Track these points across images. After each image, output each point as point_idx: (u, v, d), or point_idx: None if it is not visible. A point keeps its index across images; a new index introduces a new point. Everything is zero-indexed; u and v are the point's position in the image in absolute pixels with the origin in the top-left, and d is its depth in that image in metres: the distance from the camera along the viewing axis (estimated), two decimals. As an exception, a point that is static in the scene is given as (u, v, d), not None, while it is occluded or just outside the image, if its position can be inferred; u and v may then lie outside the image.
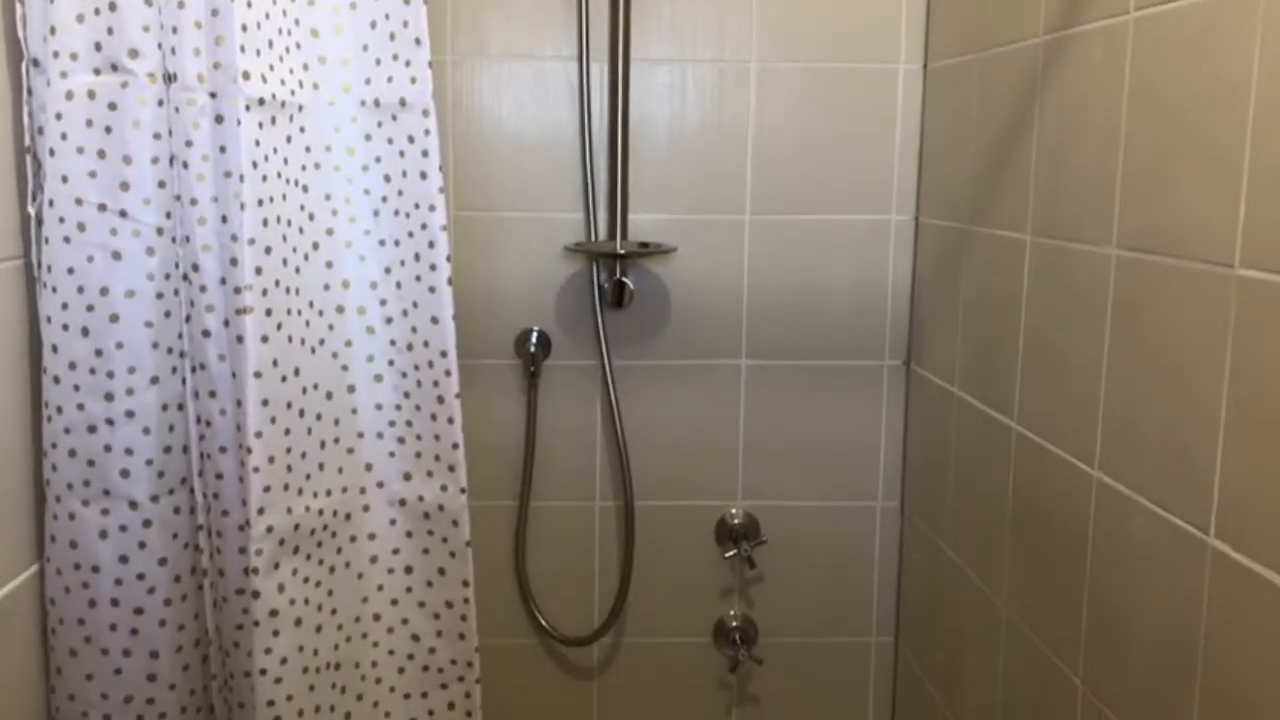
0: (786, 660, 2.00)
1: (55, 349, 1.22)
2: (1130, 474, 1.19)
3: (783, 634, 2.00)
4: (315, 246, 1.31)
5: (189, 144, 1.19)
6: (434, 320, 1.34)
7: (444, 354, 1.35)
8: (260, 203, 1.20)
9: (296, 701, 1.30)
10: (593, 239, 1.86)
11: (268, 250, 1.22)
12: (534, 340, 1.89)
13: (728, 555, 1.92)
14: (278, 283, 1.24)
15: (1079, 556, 1.30)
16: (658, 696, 2.01)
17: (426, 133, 1.31)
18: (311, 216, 1.30)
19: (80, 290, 1.21)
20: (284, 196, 1.24)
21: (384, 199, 1.34)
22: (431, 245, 1.33)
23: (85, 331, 1.22)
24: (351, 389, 1.36)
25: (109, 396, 1.23)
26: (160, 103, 1.20)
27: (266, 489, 1.24)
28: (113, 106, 1.19)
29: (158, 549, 1.28)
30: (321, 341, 1.32)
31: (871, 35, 1.85)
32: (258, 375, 1.22)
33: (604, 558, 1.97)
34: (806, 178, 1.88)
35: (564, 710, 2.01)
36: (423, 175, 1.32)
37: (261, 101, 1.20)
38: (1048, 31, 1.38)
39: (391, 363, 1.36)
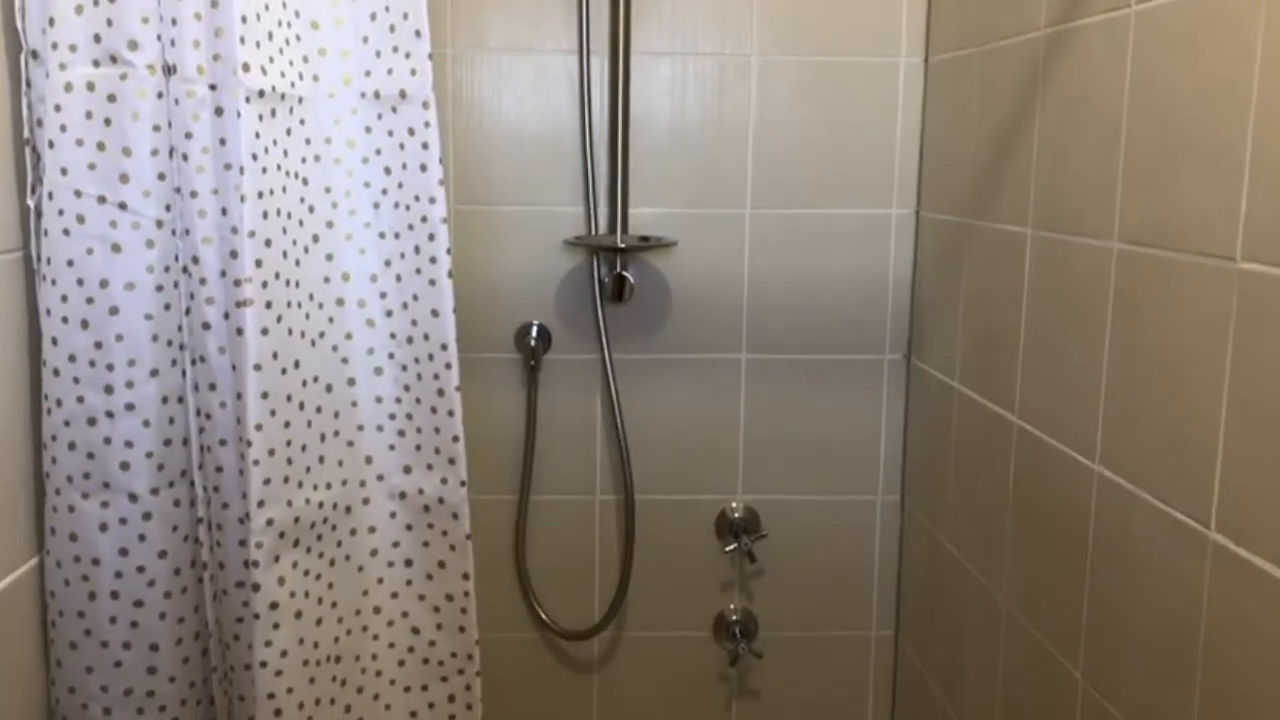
0: (786, 654, 2.00)
1: (55, 341, 1.22)
2: (1131, 468, 1.19)
3: (783, 628, 2.00)
4: (315, 239, 1.30)
5: (189, 136, 1.19)
6: (434, 313, 1.34)
7: (444, 347, 1.34)
8: (260, 195, 1.20)
9: (297, 694, 1.30)
10: (593, 233, 1.86)
11: (268, 243, 1.22)
12: (534, 334, 1.89)
13: (728, 549, 1.92)
14: (278, 275, 1.23)
15: (1080, 551, 1.30)
16: (658, 690, 2.01)
17: (427, 125, 1.31)
18: (311, 209, 1.29)
19: (80, 283, 1.21)
20: (284, 189, 1.24)
21: (384, 191, 1.33)
22: (432, 238, 1.33)
23: (85, 324, 1.22)
24: (351, 382, 1.36)
25: (109, 389, 1.23)
26: (160, 95, 1.20)
27: (266, 482, 1.24)
28: (112, 98, 1.19)
29: (158, 542, 1.28)
30: (321, 334, 1.32)
31: (872, 29, 1.84)
32: (258, 368, 1.22)
33: (604, 552, 1.97)
34: (807, 171, 1.87)
35: (564, 704, 2.01)
36: (423, 168, 1.31)
37: (261, 94, 1.20)
38: (1049, 25, 1.38)
39: (392, 356, 1.36)
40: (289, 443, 1.27)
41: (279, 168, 1.23)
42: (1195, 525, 1.07)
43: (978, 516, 1.62)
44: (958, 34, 1.71)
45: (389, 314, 1.35)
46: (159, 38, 1.18)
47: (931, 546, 1.82)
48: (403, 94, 1.31)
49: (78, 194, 1.19)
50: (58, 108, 1.18)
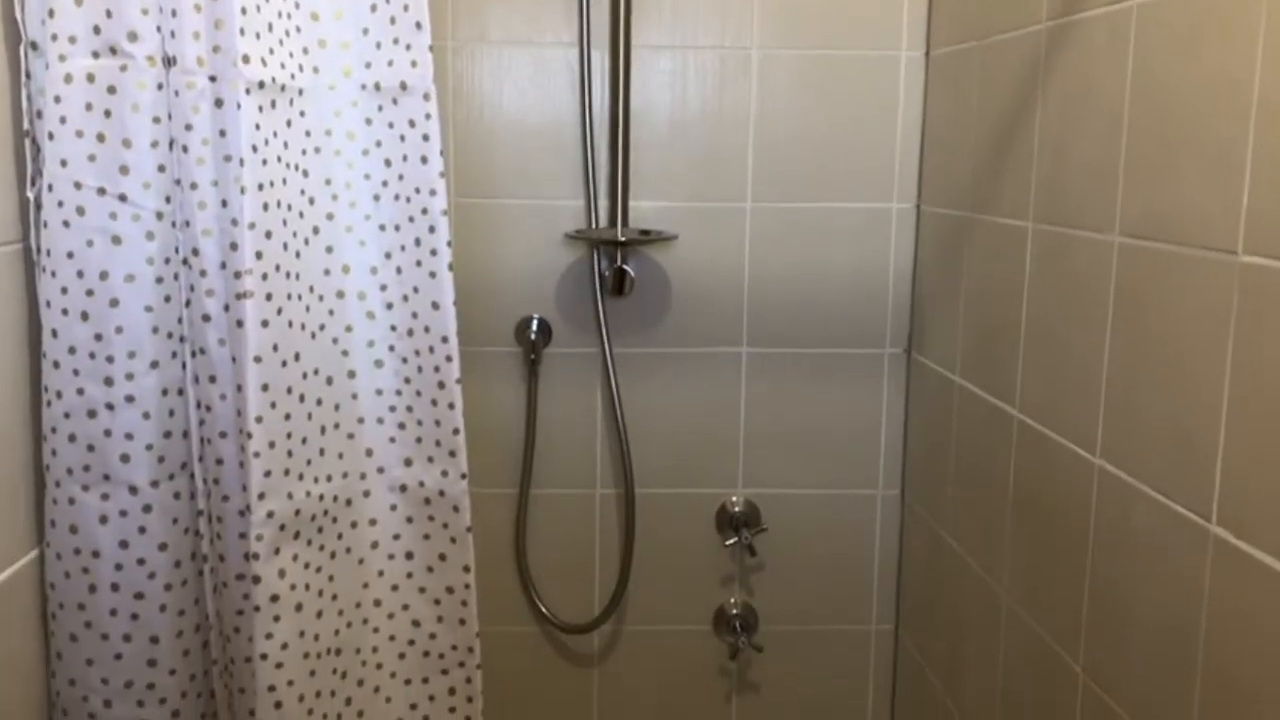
0: (786, 648, 2.00)
1: (55, 333, 1.22)
2: (1132, 461, 1.19)
3: (783, 622, 2.00)
4: (315, 231, 1.30)
5: (189, 128, 1.19)
6: (435, 305, 1.34)
7: (445, 339, 1.34)
8: (260, 187, 1.20)
9: (297, 687, 1.30)
10: (593, 226, 1.86)
11: (268, 235, 1.21)
12: (534, 328, 1.89)
13: (728, 543, 1.92)
14: (278, 267, 1.23)
15: (1080, 544, 1.30)
16: (658, 684, 2.01)
17: (427, 117, 1.31)
18: (312, 201, 1.29)
19: (80, 275, 1.21)
20: (284, 181, 1.24)
21: (384, 183, 1.33)
22: (432, 230, 1.32)
23: (85, 316, 1.21)
24: (352, 374, 1.36)
25: (109, 381, 1.23)
26: (160, 86, 1.19)
27: (267, 474, 1.24)
28: (112, 90, 1.18)
29: (158, 534, 1.28)
30: (322, 326, 1.32)
31: (873, 22, 1.84)
32: (258, 360, 1.22)
33: (604, 545, 1.97)
34: (808, 165, 1.87)
35: (564, 697, 2.01)
36: (423, 159, 1.31)
37: (261, 85, 1.20)
38: (1050, 18, 1.37)
39: (392, 348, 1.36)
40: (289, 435, 1.27)
41: (279, 160, 1.23)
42: (1196, 519, 1.07)
43: (978, 510, 1.62)
44: (959, 27, 1.71)
45: (389, 306, 1.35)
46: (159, 29, 1.18)
47: (932, 540, 1.82)
48: (403, 86, 1.30)
49: (77, 186, 1.19)
50: (57, 99, 1.18)
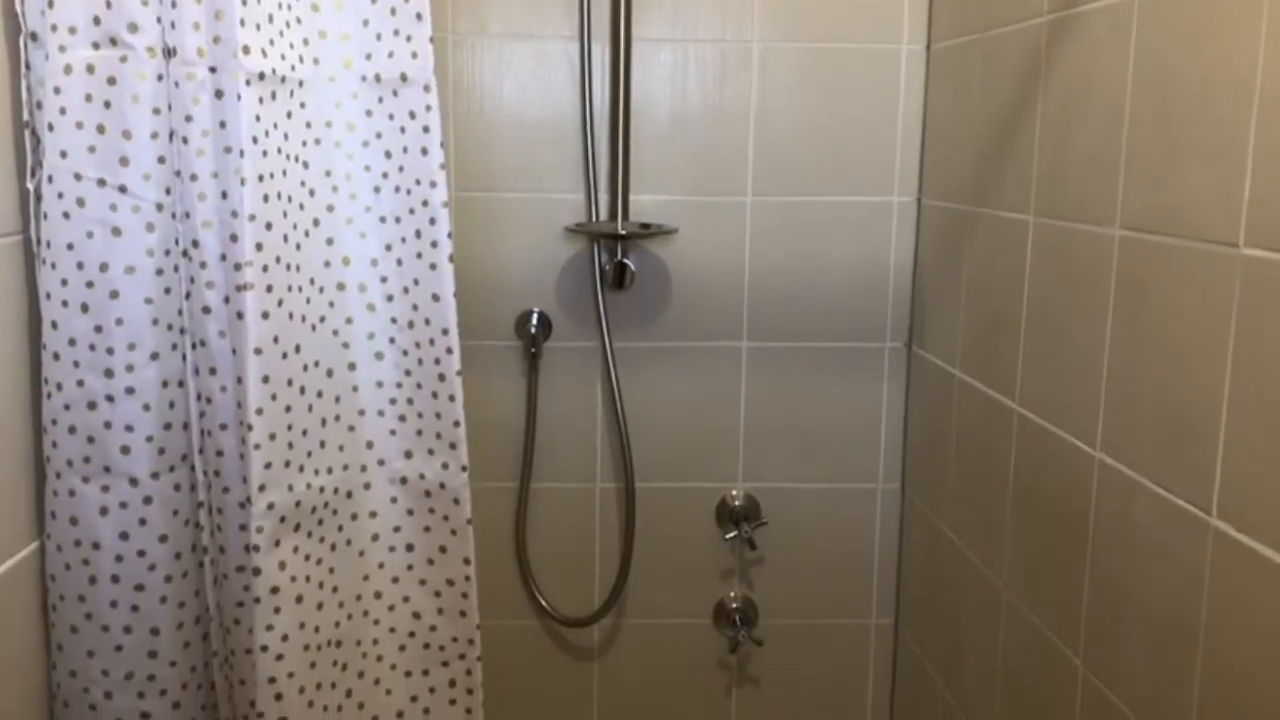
0: (786, 642, 2.00)
1: (55, 325, 1.22)
2: (1132, 455, 1.19)
3: (783, 615, 2.00)
4: (316, 223, 1.30)
5: (189, 119, 1.19)
6: (435, 297, 1.34)
7: (445, 331, 1.34)
8: (260, 178, 1.20)
9: (297, 679, 1.30)
10: (593, 220, 1.85)
11: (268, 226, 1.21)
12: (534, 321, 1.89)
13: (728, 537, 1.92)
14: (278, 259, 1.23)
15: (1080, 538, 1.30)
16: (658, 677, 2.01)
17: (428, 108, 1.30)
18: (312, 193, 1.29)
19: (80, 266, 1.20)
20: (284, 172, 1.24)
21: (385, 175, 1.33)
22: (432, 222, 1.32)
23: (85, 308, 1.21)
24: (352, 366, 1.36)
25: (109, 373, 1.23)
26: (160, 77, 1.19)
27: (267, 466, 1.24)
28: (112, 81, 1.18)
29: (158, 526, 1.28)
30: (322, 318, 1.32)
31: (874, 15, 1.84)
32: (258, 352, 1.22)
33: (605, 539, 1.97)
34: (809, 159, 1.87)
35: (564, 691, 2.01)
36: (424, 151, 1.31)
37: (262, 76, 1.19)
38: (1052, 11, 1.37)
39: (392, 340, 1.36)
40: (290, 427, 1.27)
41: (279, 151, 1.23)
42: (1196, 512, 1.07)
43: (978, 504, 1.62)
44: (960, 20, 1.70)
45: (390, 298, 1.35)
46: (159, 20, 1.18)
47: (932, 534, 1.82)
48: (404, 77, 1.30)
49: (77, 177, 1.19)
50: (57, 90, 1.18)
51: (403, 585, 1.42)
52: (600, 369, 1.91)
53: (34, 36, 1.19)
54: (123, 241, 1.21)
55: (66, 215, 1.19)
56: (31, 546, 1.28)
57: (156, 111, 1.19)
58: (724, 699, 2.04)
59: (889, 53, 1.85)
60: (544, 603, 1.96)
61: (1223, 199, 1.02)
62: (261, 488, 1.24)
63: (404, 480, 1.40)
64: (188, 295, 1.25)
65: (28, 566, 1.27)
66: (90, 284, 1.21)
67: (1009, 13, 1.50)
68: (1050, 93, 1.38)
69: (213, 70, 1.18)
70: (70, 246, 1.20)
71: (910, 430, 1.94)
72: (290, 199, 1.25)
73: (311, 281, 1.30)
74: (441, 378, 1.35)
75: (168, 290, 1.24)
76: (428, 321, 1.34)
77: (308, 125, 1.28)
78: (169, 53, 1.18)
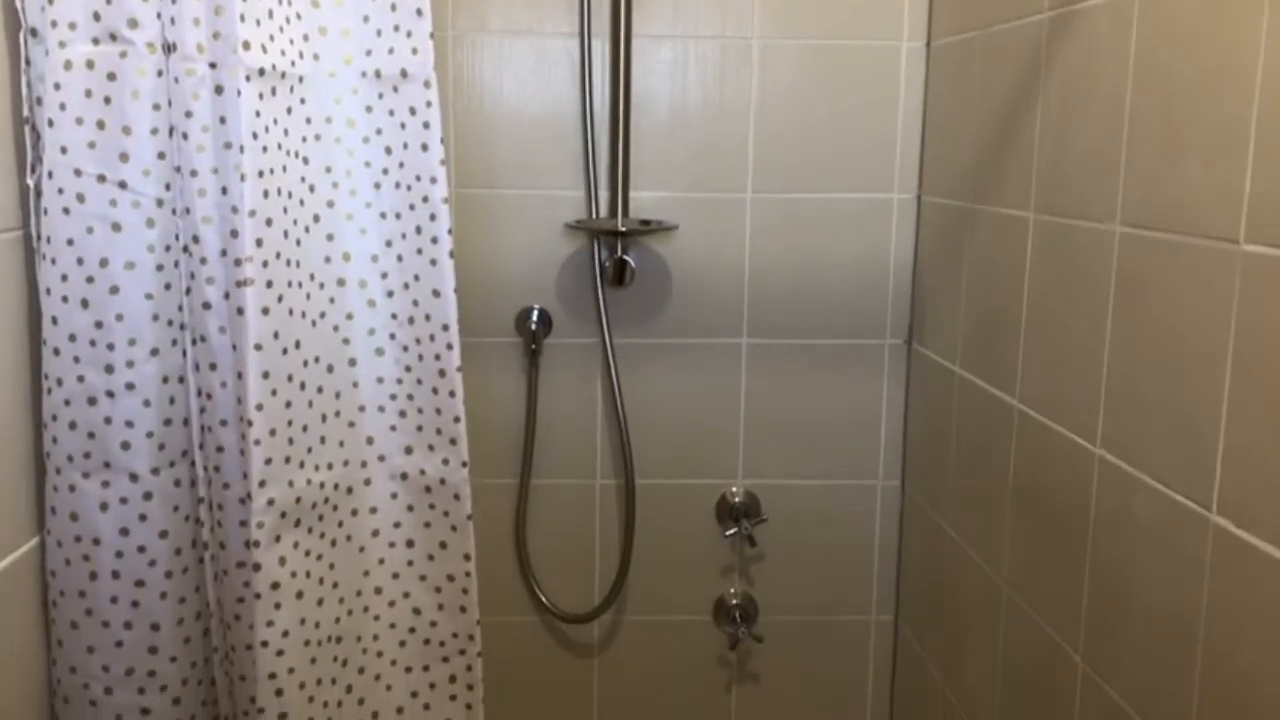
0: (786, 638, 2.01)
1: (55, 321, 1.22)
2: (1132, 451, 1.19)
3: (783, 612, 2.00)
4: (316, 219, 1.30)
5: (189, 115, 1.18)
6: (435, 293, 1.34)
7: (445, 327, 1.34)
8: (261, 174, 1.20)
9: (298, 674, 1.31)
10: (594, 216, 1.85)
11: (268, 222, 1.21)
12: (535, 318, 1.89)
13: (728, 533, 1.92)
14: (278, 255, 1.23)
15: (1080, 534, 1.30)
16: (658, 674, 2.01)
17: (428, 104, 1.30)
18: (312, 189, 1.29)
19: (80, 262, 1.21)
20: (284, 168, 1.24)
21: (385, 171, 1.33)
22: (433, 218, 1.32)
23: (85, 303, 1.21)
24: (353, 362, 1.36)
25: (109, 369, 1.23)
26: (160, 73, 1.19)
27: (268, 462, 1.24)
28: (112, 77, 1.18)
29: (158, 522, 1.28)
30: (322, 314, 1.32)
31: (874, 12, 1.83)
32: (258, 348, 1.22)
33: (605, 536, 1.97)
34: (809, 155, 1.87)
35: (564, 687, 2.02)
36: (424, 147, 1.31)
37: (262, 72, 1.19)
38: (1052, 7, 1.37)
39: (393, 336, 1.36)
40: (290, 423, 1.27)
41: (279, 147, 1.23)
42: (1197, 508, 1.07)
43: (978, 501, 1.62)
44: (960, 17, 1.70)
45: (390, 294, 1.35)
46: (159, 15, 1.18)
47: (932, 531, 1.83)
48: (404, 73, 1.30)
49: (77, 173, 1.19)
50: (57, 86, 1.17)
51: (403, 581, 1.42)
52: (600, 365, 1.91)
53: (34, 32, 1.19)
54: (123, 237, 1.21)
55: (67, 211, 1.19)
56: (32, 542, 1.28)
57: (156, 107, 1.19)
58: (724, 695, 2.04)
59: (889, 49, 1.84)
60: (544, 599, 1.96)
61: (1223, 195, 1.02)
62: (262, 483, 1.24)
63: (404, 476, 1.40)
64: (188, 291, 1.25)
65: (28, 562, 1.27)
66: (90, 279, 1.21)
67: (1009, 9, 1.50)
68: (1050, 89, 1.38)
69: (213, 66, 1.18)
70: (70, 242, 1.20)
71: (910, 427, 1.95)
72: (290, 195, 1.25)
73: (311, 277, 1.30)
74: (442, 374, 1.35)
75: (168, 286, 1.24)
76: (428, 317, 1.34)
77: (308, 121, 1.28)
78: (169, 48, 1.18)
